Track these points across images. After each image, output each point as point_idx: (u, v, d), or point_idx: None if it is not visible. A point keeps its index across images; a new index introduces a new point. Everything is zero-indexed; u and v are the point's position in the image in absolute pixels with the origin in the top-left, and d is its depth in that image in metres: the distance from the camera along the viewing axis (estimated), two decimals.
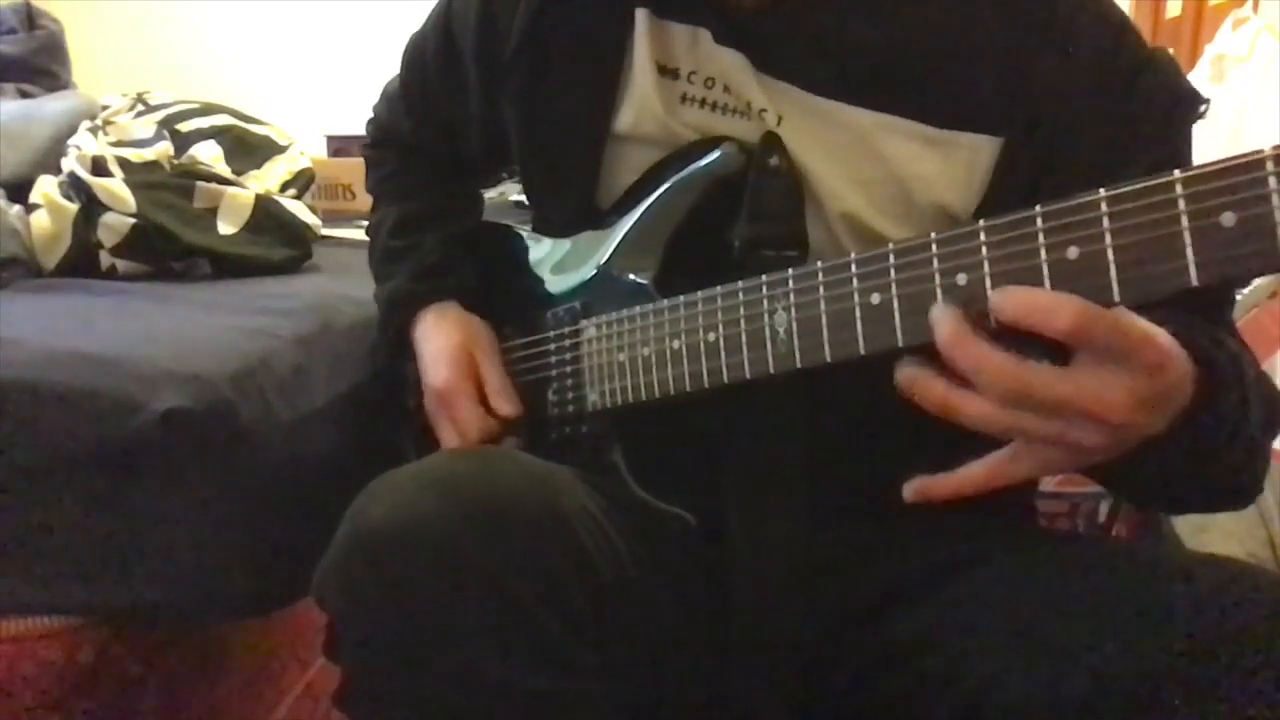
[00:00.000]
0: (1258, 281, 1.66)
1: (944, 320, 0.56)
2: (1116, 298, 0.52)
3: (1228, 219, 0.48)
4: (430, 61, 0.97)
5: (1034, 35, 0.73)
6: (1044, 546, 0.72)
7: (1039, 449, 0.58)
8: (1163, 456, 0.58)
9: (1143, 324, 0.53)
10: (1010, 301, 0.54)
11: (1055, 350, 0.55)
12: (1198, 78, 2.02)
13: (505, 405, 0.87)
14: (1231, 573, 0.61)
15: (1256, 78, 1.87)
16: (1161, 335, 0.54)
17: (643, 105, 0.81)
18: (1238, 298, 1.66)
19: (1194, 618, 0.58)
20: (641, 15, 0.81)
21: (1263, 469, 0.70)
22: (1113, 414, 0.54)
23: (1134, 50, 0.75)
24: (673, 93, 0.81)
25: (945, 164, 0.75)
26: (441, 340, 0.90)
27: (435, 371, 0.89)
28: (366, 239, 1.05)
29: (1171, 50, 2.40)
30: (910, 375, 0.58)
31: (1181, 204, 0.49)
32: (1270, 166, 0.46)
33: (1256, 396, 0.63)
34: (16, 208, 1.30)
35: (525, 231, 0.94)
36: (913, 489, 0.63)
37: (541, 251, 0.91)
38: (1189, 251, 0.49)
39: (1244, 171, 0.47)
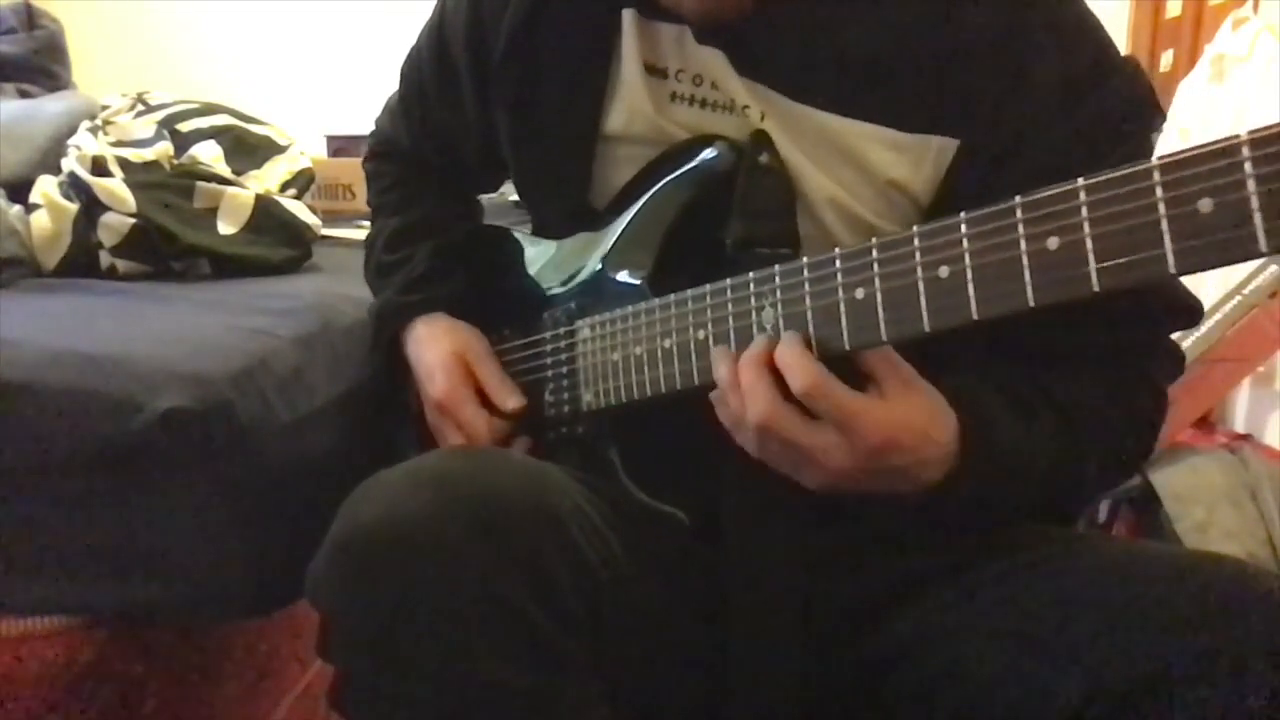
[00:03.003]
0: (1257, 281, 1.66)
1: (753, 346, 0.65)
2: (1096, 287, 0.52)
3: (1205, 205, 0.47)
4: (426, 71, 0.97)
5: (1010, 38, 0.73)
6: (1043, 546, 0.72)
7: (787, 469, 0.68)
8: (944, 501, 0.68)
9: (873, 415, 0.63)
10: (784, 347, 0.64)
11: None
12: (1198, 78, 2.02)
13: (509, 400, 0.87)
14: (1231, 573, 0.61)
15: (1256, 78, 1.87)
16: (890, 426, 0.63)
17: (633, 106, 0.81)
18: (1237, 298, 1.66)
19: (1192, 618, 0.58)
20: (628, 16, 0.81)
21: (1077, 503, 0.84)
22: (828, 465, 0.64)
23: (1100, 57, 0.75)
24: (662, 92, 0.81)
25: (917, 167, 0.75)
26: (433, 352, 0.90)
27: (432, 384, 0.89)
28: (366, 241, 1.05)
29: (1172, 50, 2.39)
30: (720, 350, 0.68)
31: (1159, 191, 0.49)
32: (1246, 152, 0.46)
33: (1057, 451, 0.71)
34: (16, 208, 1.30)
35: (522, 233, 0.94)
36: None
37: (538, 253, 0.91)
38: (1167, 239, 0.49)
39: (1221, 158, 0.47)
